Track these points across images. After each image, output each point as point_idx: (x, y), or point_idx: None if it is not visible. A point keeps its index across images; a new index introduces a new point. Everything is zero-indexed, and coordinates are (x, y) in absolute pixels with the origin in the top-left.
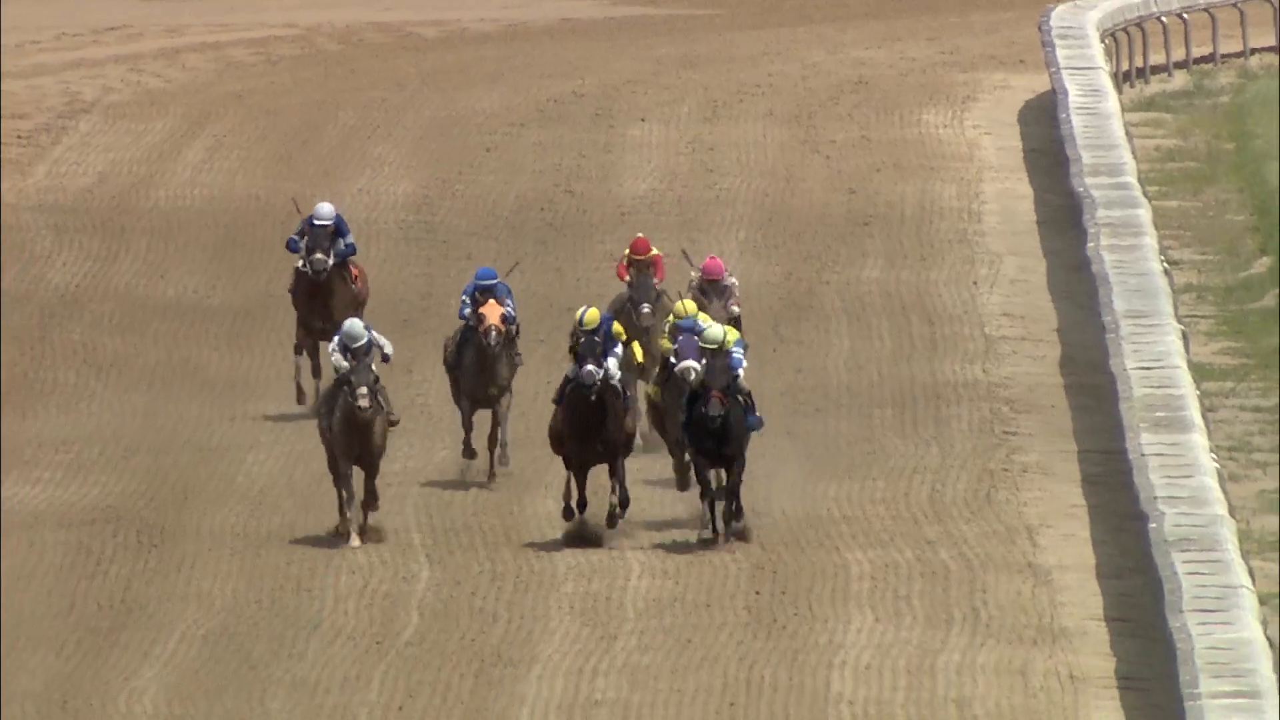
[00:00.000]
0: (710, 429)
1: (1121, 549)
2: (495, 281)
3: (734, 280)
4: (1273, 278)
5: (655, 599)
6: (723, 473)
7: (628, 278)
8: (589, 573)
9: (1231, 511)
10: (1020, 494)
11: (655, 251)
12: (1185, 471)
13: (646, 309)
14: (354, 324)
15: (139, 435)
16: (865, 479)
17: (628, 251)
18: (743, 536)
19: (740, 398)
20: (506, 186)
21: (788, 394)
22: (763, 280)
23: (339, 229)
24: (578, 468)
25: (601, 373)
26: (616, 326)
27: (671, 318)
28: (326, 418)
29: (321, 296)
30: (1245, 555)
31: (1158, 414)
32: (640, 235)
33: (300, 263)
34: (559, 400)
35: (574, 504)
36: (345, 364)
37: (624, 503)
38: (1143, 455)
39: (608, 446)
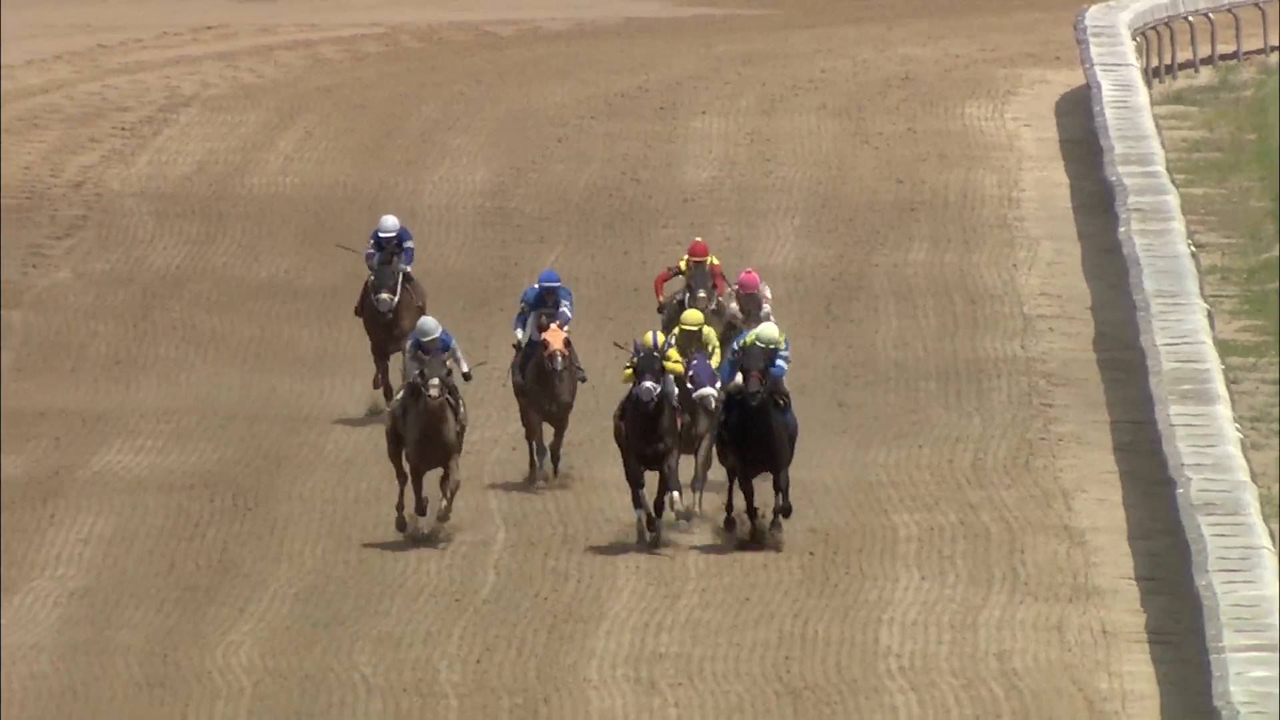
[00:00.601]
0: (749, 410)
1: (1151, 513)
2: (558, 285)
3: (767, 291)
4: None
5: (715, 559)
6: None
7: (662, 296)
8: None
9: (1253, 477)
10: (1056, 461)
11: (714, 259)
12: (1210, 440)
13: (703, 294)
14: (427, 321)
15: (235, 406)
16: (912, 447)
17: (685, 258)
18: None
19: (779, 400)
20: (576, 174)
21: (839, 368)
22: (816, 262)
23: (402, 238)
24: (634, 467)
25: (659, 388)
26: (672, 352)
27: (677, 327)
28: (400, 420)
29: (393, 328)
30: (1266, 518)
31: (1185, 387)
32: (698, 239)
33: (370, 277)
34: (621, 415)
35: (643, 521)
36: (414, 369)
37: (660, 508)
38: (1171, 425)
39: (664, 443)
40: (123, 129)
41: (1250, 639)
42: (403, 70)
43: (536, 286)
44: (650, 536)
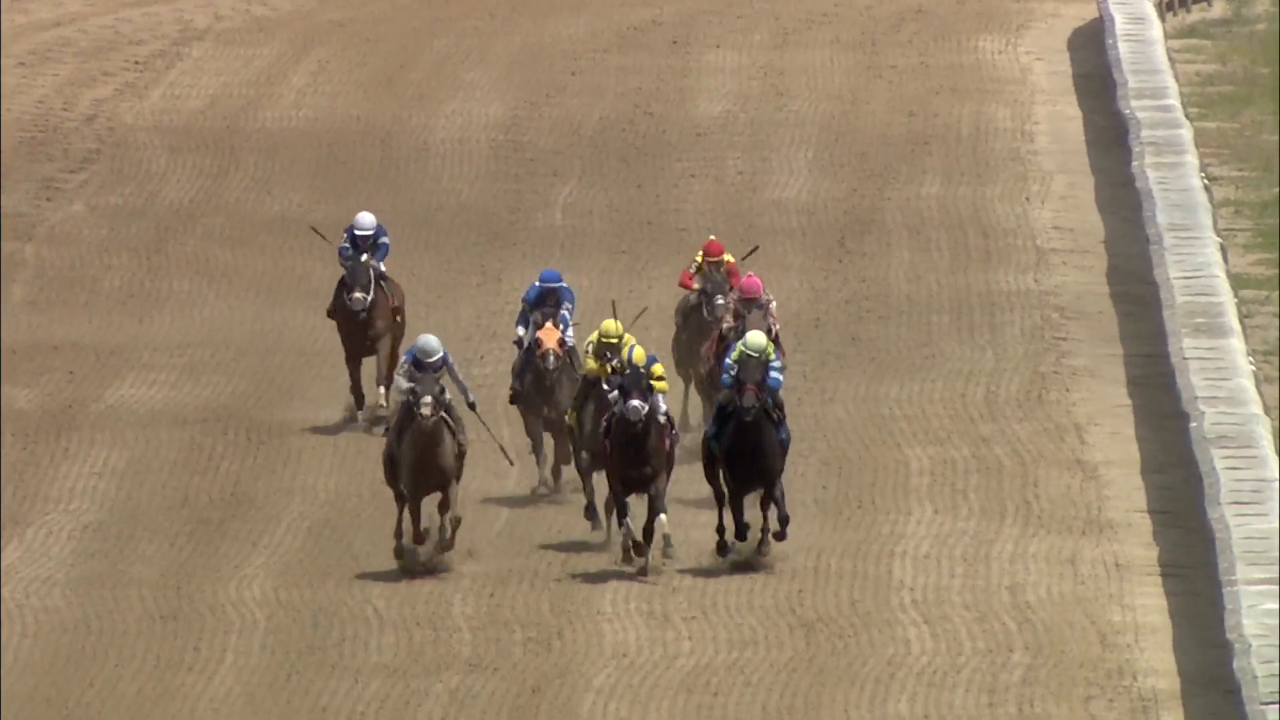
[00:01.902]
0: (744, 423)
1: (1164, 446)
2: (559, 284)
3: (771, 299)
4: None
5: None
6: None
7: (695, 285)
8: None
9: (1266, 410)
10: (1069, 395)
11: (729, 257)
12: (1223, 373)
13: (720, 300)
14: (430, 340)
15: (248, 340)
16: (924, 381)
17: (700, 256)
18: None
19: (773, 414)
20: (590, 108)
21: (852, 302)
22: (828, 196)
23: (379, 235)
24: (620, 496)
25: (646, 408)
26: (657, 368)
27: (598, 334)
28: (395, 443)
29: (367, 327)
30: (1279, 451)
31: (1198, 320)
32: (713, 238)
33: (345, 275)
34: (605, 434)
35: (627, 537)
36: (406, 387)
37: (661, 510)
38: (1184, 358)
39: (651, 466)
40: (136, 63)
41: (1262, 572)
42: (416, 4)
43: (537, 285)
44: (638, 564)
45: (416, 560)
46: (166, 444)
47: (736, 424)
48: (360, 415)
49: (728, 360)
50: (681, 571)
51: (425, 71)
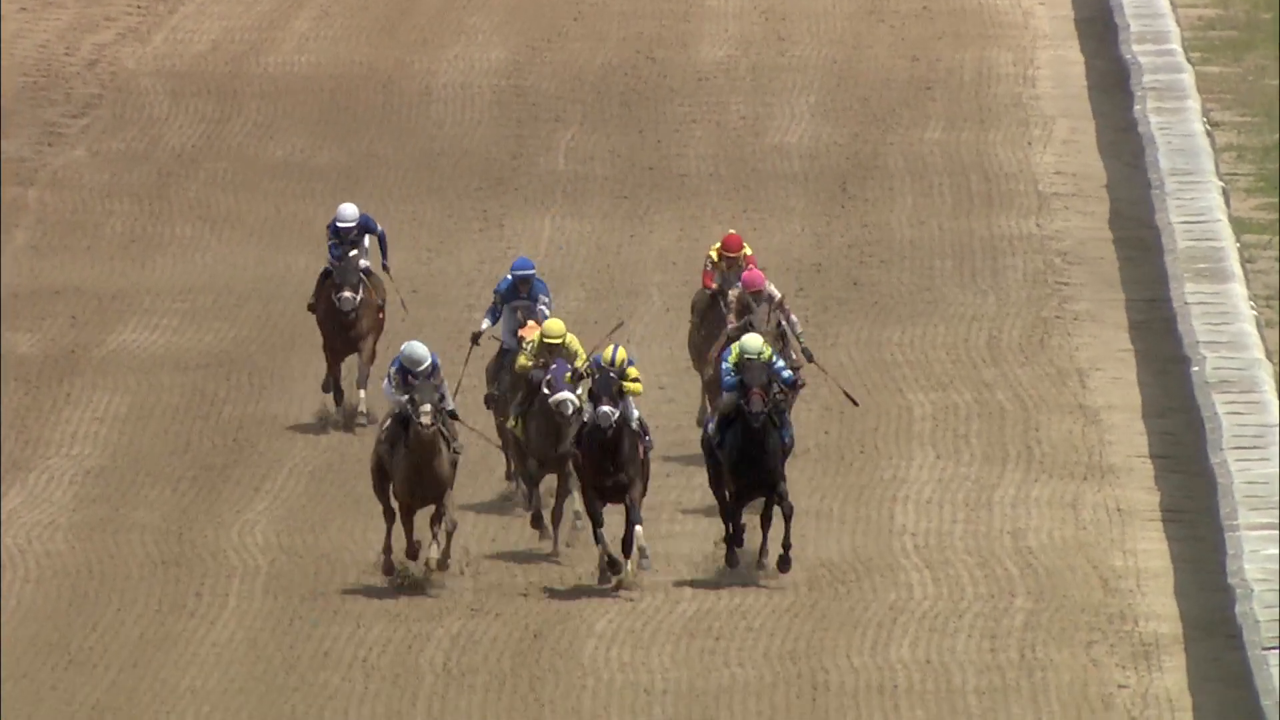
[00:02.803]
0: (752, 429)
1: (1165, 390)
2: (531, 272)
3: (775, 290)
4: None
5: None
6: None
7: (714, 285)
8: (671, 421)
9: (1268, 355)
10: (1071, 339)
11: (747, 250)
12: (1225, 318)
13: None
14: (417, 348)
15: (250, 285)
16: (926, 326)
17: (716, 248)
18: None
19: (776, 416)
20: (592, 53)
21: (854, 247)
22: (831, 141)
23: (366, 226)
24: (593, 499)
25: (617, 413)
26: (632, 371)
27: (539, 335)
28: (387, 455)
29: (352, 327)
30: None
31: (1200, 265)
32: (732, 232)
33: (334, 274)
34: (577, 442)
35: (603, 552)
36: (401, 397)
37: (637, 520)
38: (1186, 303)
39: (624, 472)
40: (138, 7)
41: (1264, 516)
42: None
43: (509, 276)
44: (614, 580)
45: (408, 576)
46: (169, 389)
47: (741, 429)
48: (337, 413)
49: (726, 364)
50: (685, 512)
51: (427, 16)
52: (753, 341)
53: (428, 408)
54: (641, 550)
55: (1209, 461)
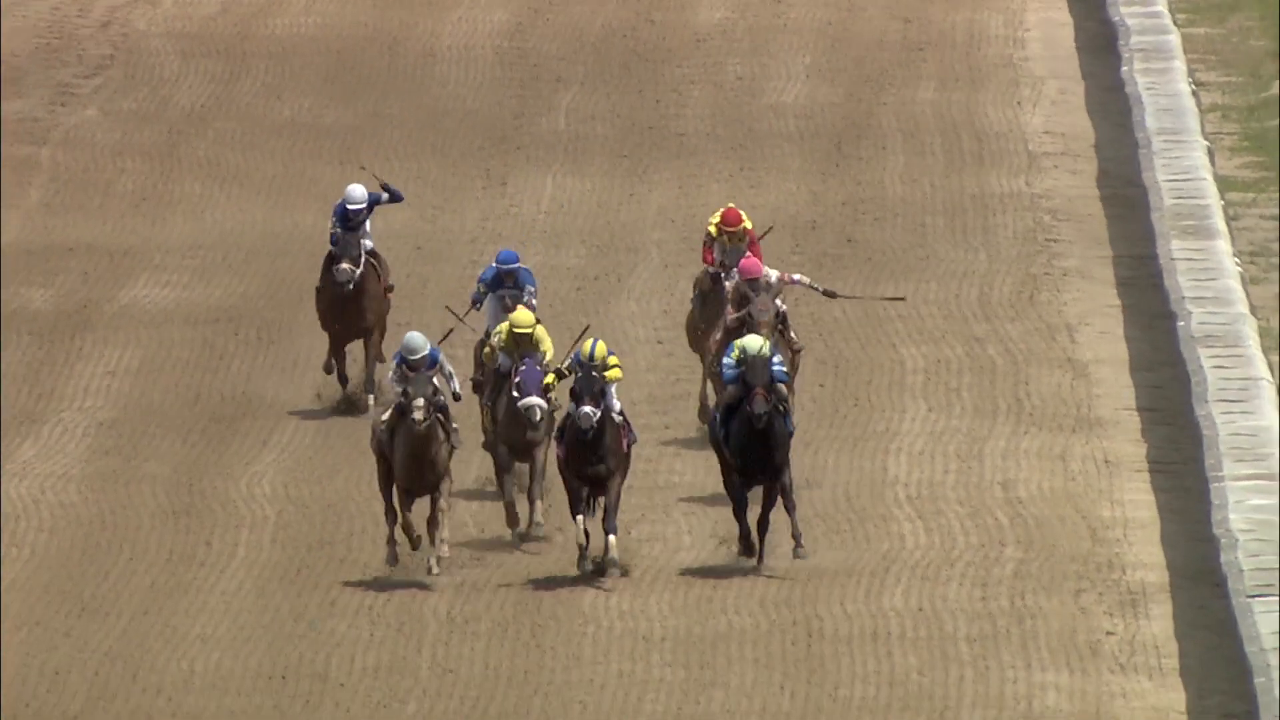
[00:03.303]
0: (756, 428)
1: (1152, 345)
2: (517, 265)
3: (774, 274)
4: None
5: None
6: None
7: (714, 259)
8: (670, 375)
9: (1253, 310)
10: (1060, 295)
11: (748, 224)
12: (1210, 274)
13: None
14: (415, 337)
15: (258, 242)
16: (919, 281)
17: (715, 221)
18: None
19: (780, 405)
20: (593, 15)
21: (848, 205)
22: (826, 101)
23: (373, 203)
24: (579, 495)
25: (598, 414)
26: (613, 360)
27: (508, 325)
28: (387, 441)
29: (353, 300)
30: (1265, 350)
31: (1185, 222)
32: (731, 205)
33: (334, 249)
34: (559, 437)
35: (580, 534)
36: (398, 388)
37: (611, 530)
38: (1172, 259)
39: (605, 464)
40: None
41: (1249, 468)
42: None
43: (494, 266)
44: (592, 565)
45: (437, 553)
46: (179, 343)
47: (745, 422)
48: (342, 393)
49: (727, 359)
50: (679, 459)
51: None
52: (753, 342)
53: (420, 403)
54: (612, 561)
55: (1195, 414)
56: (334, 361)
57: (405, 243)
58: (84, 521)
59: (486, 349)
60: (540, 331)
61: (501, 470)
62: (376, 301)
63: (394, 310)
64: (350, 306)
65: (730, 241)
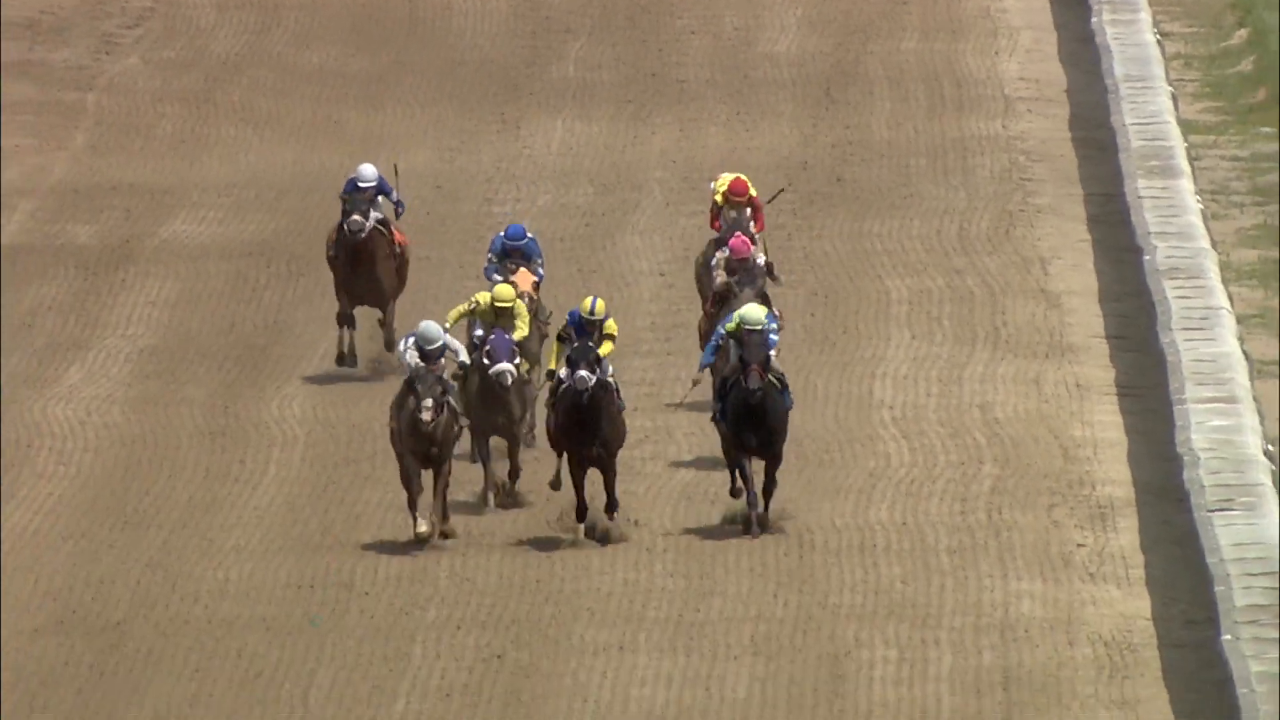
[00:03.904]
0: (751, 404)
1: (1120, 277)
2: (524, 241)
3: (762, 257)
4: (1249, 47)
5: None
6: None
7: (720, 225)
8: (671, 305)
9: (1213, 244)
10: (1034, 230)
11: (753, 193)
12: (1174, 211)
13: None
14: (431, 326)
15: (288, 181)
16: (903, 218)
17: (723, 191)
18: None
19: (775, 379)
20: None
21: (837, 147)
22: (816, 50)
23: (382, 189)
24: (575, 468)
25: (594, 379)
26: (610, 324)
27: (489, 296)
28: (396, 419)
29: (365, 261)
30: (1225, 282)
31: (1151, 163)
32: (739, 176)
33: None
34: (553, 405)
35: (576, 508)
36: (417, 363)
37: (613, 507)
38: (1139, 197)
39: (605, 447)
40: None
41: (1210, 391)
42: None
43: (502, 238)
44: (576, 529)
45: (439, 528)
46: (214, 276)
47: (741, 398)
48: (350, 350)
49: (720, 330)
50: (679, 384)
51: None
52: (753, 313)
53: (429, 403)
54: (606, 532)
55: (1159, 341)
56: (344, 313)
57: (425, 182)
58: (126, 441)
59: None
60: (520, 307)
61: (480, 445)
62: (387, 261)
63: (416, 245)
64: (363, 270)
65: (736, 210)
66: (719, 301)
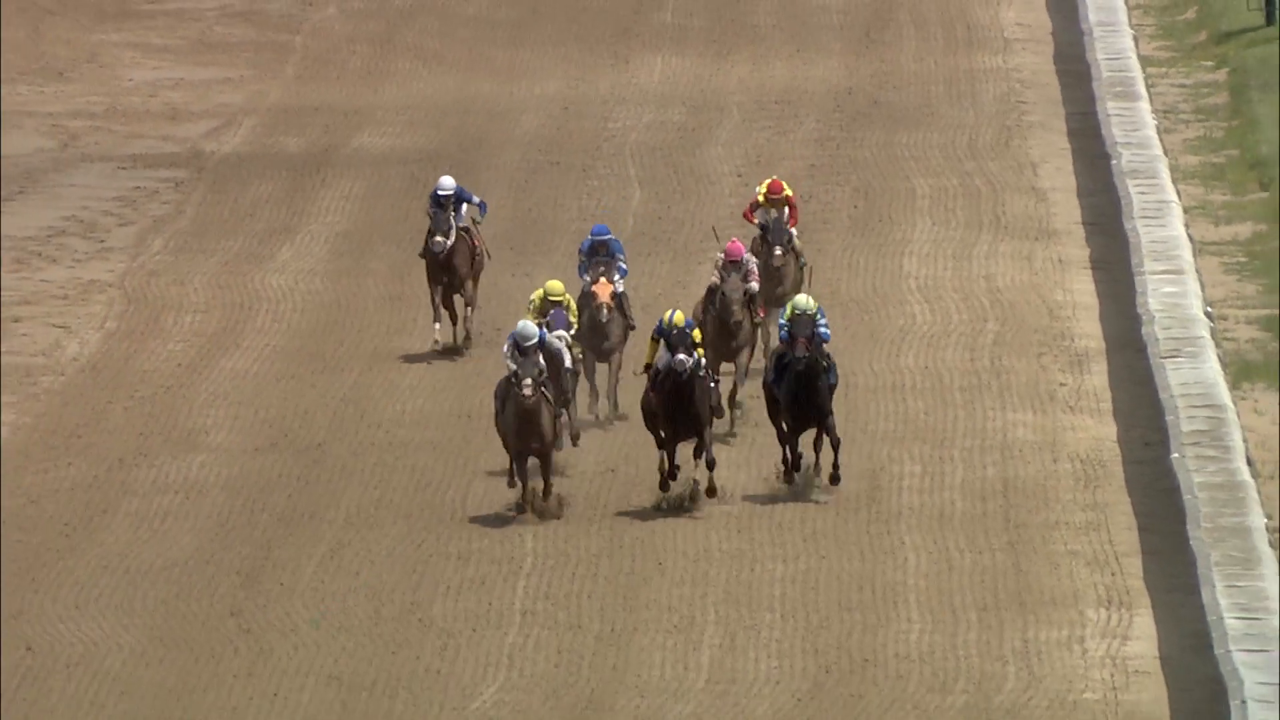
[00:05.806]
0: (798, 371)
1: (1093, 178)
2: (609, 237)
3: (750, 258)
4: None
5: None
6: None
7: (755, 219)
8: (745, 199)
9: (1166, 153)
10: (1027, 141)
11: (788, 192)
12: (1135, 126)
13: (779, 251)
14: (528, 325)
15: (450, 104)
16: (926, 132)
17: (763, 191)
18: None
19: (823, 360)
20: None
21: (875, 76)
22: (860, 2)
23: (460, 196)
24: (670, 442)
25: (692, 361)
26: (696, 334)
27: (543, 291)
28: (500, 411)
29: (448, 268)
30: (1174, 180)
31: (1117, 89)
32: (775, 177)
33: (430, 224)
34: (653, 386)
35: (667, 475)
36: (512, 365)
37: (711, 464)
38: (1108, 115)
39: (696, 422)
40: None
41: (1163, 265)
42: None
43: (590, 238)
44: (668, 491)
45: (540, 506)
46: (393, 176)
47: (792, 371)
48: (437, 335)
49: (782, 320)
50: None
51: None
52: (805, 300)
53: (529, 381)
54: (711, 484)
55: (1124, 227)
56: (435, 306)
57: (556, 104)
58: (325, 304)
59: (528, 313)
60: (569, 300)
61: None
62: (466, 263)
63: (550, 155)
64: (447, 268)
65: (772, 206)
66: (709, 294)
